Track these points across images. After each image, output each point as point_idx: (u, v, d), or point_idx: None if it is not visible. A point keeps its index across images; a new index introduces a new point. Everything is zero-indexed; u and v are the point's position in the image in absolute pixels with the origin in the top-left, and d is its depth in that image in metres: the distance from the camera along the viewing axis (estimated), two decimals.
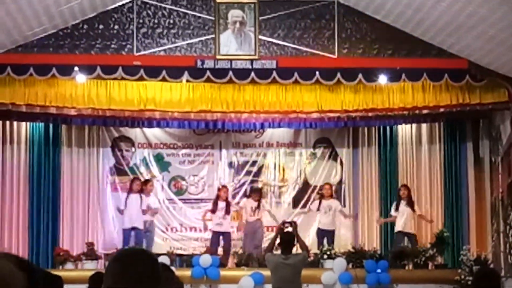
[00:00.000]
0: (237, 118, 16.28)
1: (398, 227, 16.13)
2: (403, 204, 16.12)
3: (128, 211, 15.97)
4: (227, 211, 16.23)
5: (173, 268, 9.87)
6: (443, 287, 14.69)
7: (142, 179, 16.86)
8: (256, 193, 16.54)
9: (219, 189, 16.69)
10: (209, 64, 13.90)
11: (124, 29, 13.90)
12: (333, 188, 16.95)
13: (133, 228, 15.88)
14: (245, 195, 17.23)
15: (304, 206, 17.50)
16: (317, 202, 16.60)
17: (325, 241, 15.96)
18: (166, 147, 17.71)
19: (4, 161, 16.50)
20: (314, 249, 15.55)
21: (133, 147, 17.62)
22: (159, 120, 16.32)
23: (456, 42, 13.60)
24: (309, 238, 16.60)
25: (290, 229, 11.35)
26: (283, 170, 17.77)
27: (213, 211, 16.27)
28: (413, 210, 16.15)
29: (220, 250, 16.08)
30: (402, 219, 16.07)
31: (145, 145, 17.65)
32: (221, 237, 16.19)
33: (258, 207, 16.32)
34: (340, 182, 17.48)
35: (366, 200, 17.43)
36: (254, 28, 13.97)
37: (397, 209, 16.15)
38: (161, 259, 13.08)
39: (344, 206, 17.27)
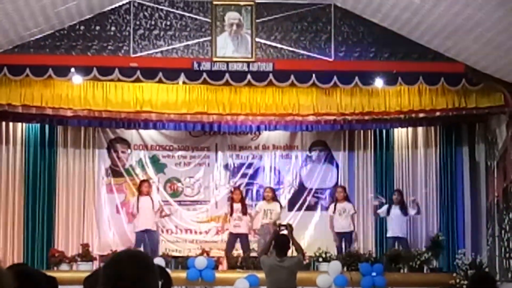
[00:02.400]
0: (233, 121, 16.26)
1: (389, 232, 16.21)
2: (395, 208, 16.17)
3: (141, 214, 15.95)
4: (244, 212, 16.21)
5: (168, 270, 9.86)
6: None
7: (138, 180, 16.92)
8: (270, 193, 16.45)
9: (231, 192, 16.69)
10: (205, 66, 13.90)
11: (121, 30, 13.90)
12: (347, 190, 16.91)
13: (146, 230, 15.86)
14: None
15: (299, 209, 17.51)
16: (332, 205, 16.52)
17: (343, 244, 15.97)
18: (162, 149, 17.70)
19: None
20: (310, 252, 15.56)
21: (129, 148, 17.61)
22: (155, 121, 16.29)
23: (452, 46, 13.61)
24: (305, 240, 16.62)
25: (285, 231, 11.34)
26: (279, 172, 17.77)
27: (231, 213, 16.26)
28: (406, 214, 16.20)
29: (235, 253, 15.98)
30: (393, 223, 16.13)
31: (141, 146, 17.64)
32: (238, 239, 16.16)
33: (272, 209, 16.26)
34: (335, 185, 17.46)
35: (362, 203, 17.43)
36: (251, 31, 13.98)
37: (388, 213, 16.20)
38: (156, 261, 13.07)
39: None
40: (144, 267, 3.24)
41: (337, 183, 17.53)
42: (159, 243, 16.36)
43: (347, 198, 16.54)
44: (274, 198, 16.42)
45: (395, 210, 16.16)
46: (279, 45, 14.01)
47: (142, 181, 16.61)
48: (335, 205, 16.37)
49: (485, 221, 16.18)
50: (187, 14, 13.97)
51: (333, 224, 16.28)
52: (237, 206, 16.23)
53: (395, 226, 16.11)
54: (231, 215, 16.26)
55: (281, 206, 16.48)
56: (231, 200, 16.50)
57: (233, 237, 16.16)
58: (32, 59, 13.68)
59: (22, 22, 13.05)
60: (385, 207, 16.35)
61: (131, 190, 17.24)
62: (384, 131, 17.46)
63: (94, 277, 4.36)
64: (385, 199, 16.61)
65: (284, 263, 10.61)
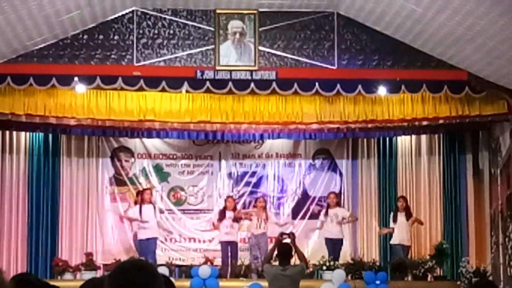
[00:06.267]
0: (237, 129, 16.27)
1: (395, 239, 16.13)
2: (401, 215, 16.13)
3: (146, 222, 15.94)
4: (235, 220, 16.22)
5: (172, 279, 9.87)
6: None
7: (141, 188, 16.94)
8: (262, 203, 16.49)
9: (225, 200, 16.66)
10: (208, 74, 13.92)
11: (124, 39, 13.92)
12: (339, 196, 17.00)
13: (149, 239, 15.85)
14: (243, 206, 17.24)
15: (303, 217, 17.50)
16: (324, 210, 16.57)
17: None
18: (166, 157, 17.71)
19: (3, 171, 16.48)
20: (313, 260, 15.54)
21: (132, 157, 17.62)
22: (158, 130, 16.30)
23: (455, 54, 13.62)
24: (308, 249, 16.61)
25: (288, 240, 11.33)
26: (282, 181, 17.76)
27: (220, 219, 16.23)
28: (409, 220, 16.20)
29: (238, 262, 15.96)
30: (399, 230, 16.08)
31: (144, 155, 17.65)
32: (228, 247, 16.14)
33: (266, 219, 16.28)
34: (339, 193, 17.45)
35: (365, 211, 17.42)
36: (254, 39, 14.00)
37: (395, 220, 16.16)
38: (160, 269, 13.05)
39: None
40: (150, 275, 3.24)
41: (340, 191, 17.53)
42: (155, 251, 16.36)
43: (339, 204, 16.59)
44: (266, 208, 16.52)
45: (401, 218, 16.12)
46: (282, 54, 14.02)
47: (144, 189, 16.61)
48: (326, 211, 16.40)
49: (489, 229, 16.17)
50: (190, 23, 13.99)
51: (323, 228, 16.39)
52: (230, 214, 16.23)
53: (401, 233, 16.05)
54: (220, 220, 16.23)
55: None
56: (224, 208, 16.47)
57: (224, 245, 16.15)
58: (35, 68, 13.71)
59: (26, 32, 13.08)
60: (391, 215, 16.32)
61: (135, 199, 17.23)
62: (387, 139, 17.46)
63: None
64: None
65: (287, 272, 10.58)
